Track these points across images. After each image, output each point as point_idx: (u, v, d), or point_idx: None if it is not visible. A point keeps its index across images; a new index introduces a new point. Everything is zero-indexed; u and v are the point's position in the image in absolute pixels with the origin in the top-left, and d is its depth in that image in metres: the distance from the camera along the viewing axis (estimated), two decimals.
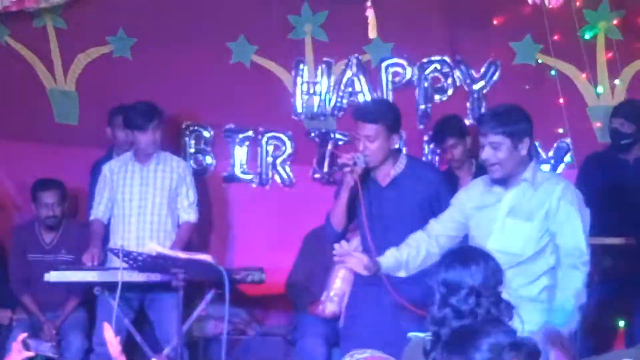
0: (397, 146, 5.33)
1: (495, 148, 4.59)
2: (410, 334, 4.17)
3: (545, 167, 6.74)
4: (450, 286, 3.72)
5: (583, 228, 4.65)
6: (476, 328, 3.20)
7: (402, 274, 4.79)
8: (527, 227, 4.58)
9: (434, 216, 4.97)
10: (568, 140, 6.65)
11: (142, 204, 6.14)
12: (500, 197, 4.68)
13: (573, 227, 4.61)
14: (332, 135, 6.81)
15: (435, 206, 5.12)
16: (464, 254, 3.88)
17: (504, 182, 4.66)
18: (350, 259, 4.70)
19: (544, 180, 4.66)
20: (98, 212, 6.22)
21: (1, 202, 7.08)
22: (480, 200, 4.76)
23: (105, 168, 6.25)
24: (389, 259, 4.74)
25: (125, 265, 5.61)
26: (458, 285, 3.72)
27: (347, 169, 5.08)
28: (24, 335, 4.49)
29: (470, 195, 4.82)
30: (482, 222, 4.71)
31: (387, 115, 5.24)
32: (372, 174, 5.25)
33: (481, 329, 3.15)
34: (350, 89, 6.86)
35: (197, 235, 6.59)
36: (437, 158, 6.76)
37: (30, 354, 4.39)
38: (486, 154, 4.60)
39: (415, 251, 4.76)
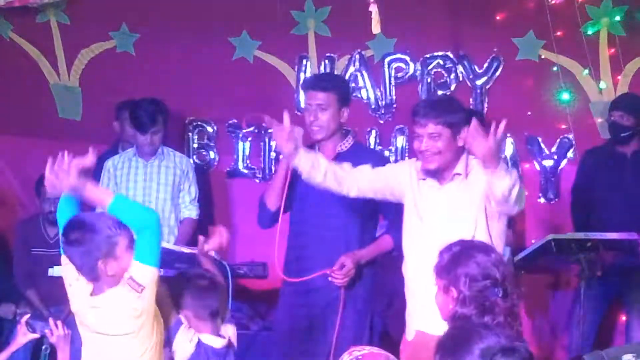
0: (346, 125, 5.30)
1: (434, 139, 4.51)
2: (421, 330, 4.16)
3: (548, 163, 6.75)
4: (475, 278, 3.69)
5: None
6: (470, 331, 3.19)
7: (318, 177, 4.72)
8: (468, 221, 4.52)
9: (371, 202, 4.98)
10: (571, 135, 6.66)
11: (146, 200, 6.16)
12: (434, 191, 4.62)
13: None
14: None
15: None
16: (481, 246, 3.87)
17: (437, 175, 4.60)
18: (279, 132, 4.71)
19: (475, 171, 4.57)
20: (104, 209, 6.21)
21: (5, 197, 7.09)
22: (416, 188, 4.68)
23: (109, 163, 6.27)
24: (307, 158, 4.70)
25: None
26: (483, 277, 3.69)
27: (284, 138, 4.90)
28: (26, 316, 4.51)
29: (411, 173, 4.72)
30: (419, 215, 4.64)
31: (339, 86, 5.30)
32: (317, 148, 5.25)
33: (474, 333, 3.14)
34: (353, 85, 6.84)
35: (201, 230, 6.58)
36: None
37: (36, 335, 4.41)
38: (426, 144, 4.52)
39: (334, 172, 4.73)
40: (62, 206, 4.07)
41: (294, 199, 5.26)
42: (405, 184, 4.73)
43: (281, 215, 5.27)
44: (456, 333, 3.25)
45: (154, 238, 3.80)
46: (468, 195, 4.55)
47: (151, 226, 3.79)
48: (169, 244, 5.75)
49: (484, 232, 4.51)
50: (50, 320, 4.38)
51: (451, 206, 4.57)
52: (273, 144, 6.97)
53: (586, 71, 6.57)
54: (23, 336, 4.44)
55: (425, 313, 4.44)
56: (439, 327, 3.99)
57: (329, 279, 5.11)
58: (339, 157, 5.21)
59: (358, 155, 5.22)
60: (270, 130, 6.84)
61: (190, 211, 6.29)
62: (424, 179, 4.66)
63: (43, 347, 4.67)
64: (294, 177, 5.12)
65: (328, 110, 5.16)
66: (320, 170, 4.70)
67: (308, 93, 5.27)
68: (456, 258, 3.78)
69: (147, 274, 3.80)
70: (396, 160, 6.72)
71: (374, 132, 6.89)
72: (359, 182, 4.76)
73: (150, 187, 6.23)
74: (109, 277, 3.83)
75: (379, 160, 5.26)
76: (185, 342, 4.27)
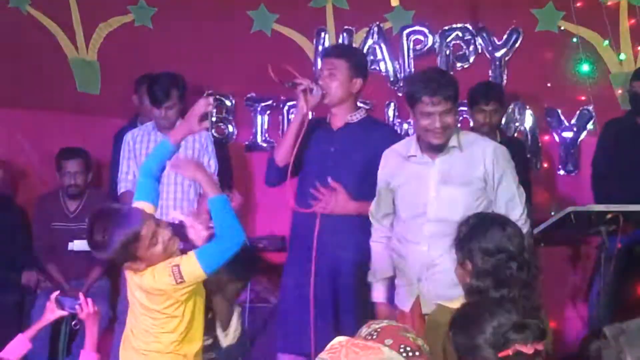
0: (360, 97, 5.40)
1: (446, 115, 4.48)
2: (441, 302, 4.17)
3: (568, 135, 6.72)
4: (490, 252, 3.70)
5: (516, 186, 4.58)
6: (482, 309, 3.20)
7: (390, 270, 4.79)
8: (464, 192, 4.50)
9: (376, 174, 4.99)
10: (591, 107, 6.63)
11: (165, 173, 6.14)
12: (428, 165, 4.59)
13: (509, 187, 4.54)
14: None
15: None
16: (497, 219, 3.86)
17: (434, 149, 4.56)
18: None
19: (470, 144, 4.59)
20: (128, 183, 6.20)
21: (25, 171, 7.12)
22: (401, 172, 4.67)
23: (128, 137, 6.28)
24: (385, 290, 4.76)
25: None
26: (498, 250, 3.69)
27: (301, 88, 5.10)
28: (56, 293, 4.53)
29: (389, 171, 4.73)
30: (410, 193, 4.62)
31: (352, 54, 5.40)
32: (328, 117, 5.32)
33: (486, 311, 3.15)
34: (371, 57, 6.81)
35: None
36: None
37: (64, 313, 4.44)
38: (440, 122, 4.46)
39: (391, 260, 4.75)
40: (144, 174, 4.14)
41: (304, 162, 5.29)
42: (391, 177, 4.72)
43: (290, 175, 5.28)
44: (469, 311, 3.26)
45: (223, 252, 3.76)
46: (466, 166, 4.55)
47: (229, 243, 3.76)
48: (187, 217, 5.75)
49: (474, 209, 4.43)
50: (81, 297, 4.40)
51: (446, 176, 4.55)
52: (292, 116, 6.96)
53: (606, 42, 6.52)
54: (51, 313, 4.46)
55: (429, 284, 4.47)
56: (443, 297, 4.03)
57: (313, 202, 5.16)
58: (347, 127, 5.27)
59: (367, 127, 5.28)
60: (289, 103, 6.90)
61: None
62: (414, 156, 4.64)
63: (72, 323, 4.70)
64: (305, 139, 5.18)
65: (337, 76, 5.20)
66: (391, 264, 4.75)
67: (322, 60, 5.39)
68: (471, 231, 3.80)
69: (194, 272, 3.75)
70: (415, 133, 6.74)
71: (392, 104, 6.87)
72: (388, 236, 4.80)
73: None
74: (142, 268, 3.83)
75: (389, 134, 5.31)
76: (236, 323, 4.31)
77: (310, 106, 5.16)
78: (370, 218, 4.87)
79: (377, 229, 4.84)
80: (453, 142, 4.57)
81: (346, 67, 5.21)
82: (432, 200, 4.54)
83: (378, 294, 4.80)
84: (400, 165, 4.69)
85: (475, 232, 3.80)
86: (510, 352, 3.01)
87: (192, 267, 3.74)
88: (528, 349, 3.02)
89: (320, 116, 5.30)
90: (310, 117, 5.29)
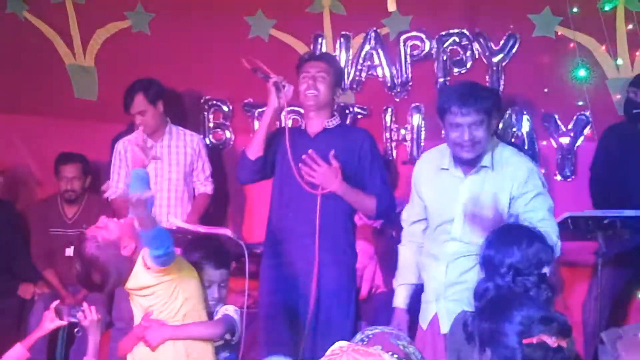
0: (337, 104, 5.53)
1: (476, 127, 4.38)
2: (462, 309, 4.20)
3: (565, 140, 6.72)
4: (491, 263, 3.77)
5: (549, 212, 4.48)
6: (510, 299, 3.27)
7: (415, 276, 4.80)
8: (489, 214, 4.41)
9: (356, 176, 5.16)
10: (587, 113, 6.63)
11: (158, 180, 6.17)
12: (459, 181, 4.53)
13: (540, 214, 4.41)
14: (351, 109, 6.81)
15: (362, 165, 5.29)
16: (508, 232, 3.93)
17: (466, 164, 4.49)
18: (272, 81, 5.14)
19: (503, 163, 4.49)
20: (118, 189, 6.23)
21: (23, 177, 7.12)
22: (432, 184, 4.63)
23: (119, 145, 6.29)
24: (406, 296, 4.76)
25: None
26: (499, 262, 3.77)
27: (272, 80, 5.24)
28: (55, 302, 4.54)
29: (421, 180, 4.69)
30: (438, 208, 4.59)
31: (337, 65, 5.63)
32: (303, 123, 5.46)
33: (515, 301, 3.20)
34: (368, 63, 6.83)
35: (217, 209, 6.61)
36: None
37: (63, 323, 4.44)
38: (468, 134, 4.37)
39: (416, 267, 4.75)
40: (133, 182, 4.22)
41: (281, 167, 5.35)
42: (422, 185, 4.70)
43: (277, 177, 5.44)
44: (499, 300, 3.31)
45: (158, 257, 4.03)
46: (494, 188, 4.47)
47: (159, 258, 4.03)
48: (184, 223, 5.76)
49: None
50: (85, 305, 4.43)
51: (475, 197, 4.49)
52: (289, 122, 6.97)
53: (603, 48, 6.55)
54: (50, 322, 4.46)
55: (448, 304, 4.45)
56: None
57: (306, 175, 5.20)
58: (325, 132, 5.38)
59: (344, 132, 5.42)
60: (286, 109, 6.89)
61: (205, 187, 6.36)
62: (447, 169, 4.58)
63: (75, 330, 4.71)
64: (282, 146, 5.26)
65: (326, 79, 5.35)
66: (415, 271, 4.76)
67: (308, 64, 5.45)
68: (486, 240, 3.93)
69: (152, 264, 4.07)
70: (412, 139, 6.76)
71: (389, 110, 6.87)
72: (416, 244, 4.80)
73: (161, 167, 6.24)
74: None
75: (366, 136, 5.43)
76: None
77: (282, 102, 5.26)
78: (402, 222, 4.89)
79: (407, 233, 4.83)
80: (486, 161, 4.48)
81: (332, 74, 5.40)
82: (458, 221, 4.50)
83: (396, 299, 4.80)
84: (432, 176, 4.64)
85: (485, 241, 3.95)
86: (534, 340, 3.05)
87: (145, 251, 4.05)
88: (552, 342, 3.05)
89: (294, 126, 5.40)
90: (283, 114, 5.50)
